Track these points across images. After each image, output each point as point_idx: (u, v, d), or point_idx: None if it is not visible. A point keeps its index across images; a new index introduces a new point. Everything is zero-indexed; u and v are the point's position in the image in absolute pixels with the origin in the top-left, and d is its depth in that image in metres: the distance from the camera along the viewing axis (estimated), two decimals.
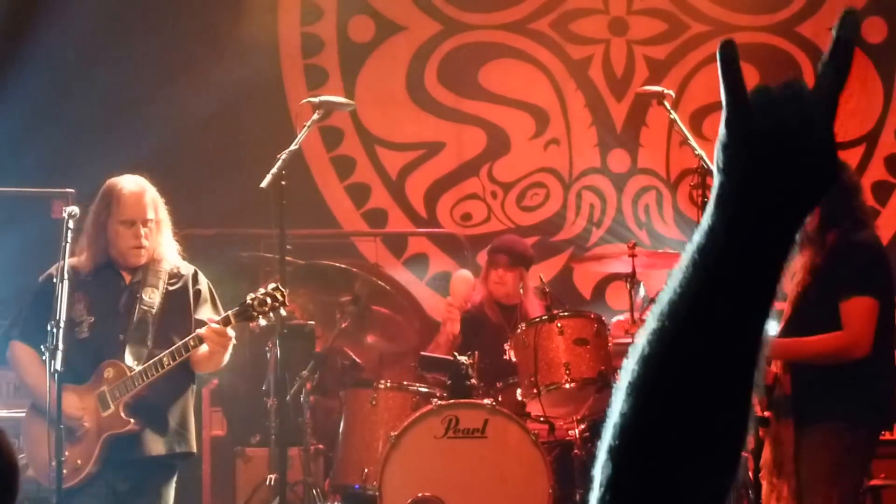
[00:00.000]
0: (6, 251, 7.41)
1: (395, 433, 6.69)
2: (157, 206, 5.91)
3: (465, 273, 8.31)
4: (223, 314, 5.76)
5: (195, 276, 5.99)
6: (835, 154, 1.43)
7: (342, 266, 7.63)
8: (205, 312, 5.82)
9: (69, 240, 5.70)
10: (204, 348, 5.69)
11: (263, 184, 6.64)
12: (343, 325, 7.41)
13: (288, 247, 6.87)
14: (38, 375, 5.75)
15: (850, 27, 1.49)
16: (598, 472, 1.42)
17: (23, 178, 8.10)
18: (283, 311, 5.89)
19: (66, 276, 5.55)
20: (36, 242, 6.96)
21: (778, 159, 1.41)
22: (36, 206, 7.54)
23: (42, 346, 5.52)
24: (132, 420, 5.73)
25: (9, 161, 8.50)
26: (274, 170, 6.66)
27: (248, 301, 5.69)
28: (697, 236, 1.41)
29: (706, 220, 1.41)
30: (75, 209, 5.79)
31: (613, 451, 1.40)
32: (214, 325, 5.63)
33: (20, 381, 6.02)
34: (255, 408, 7.80)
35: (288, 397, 7.01)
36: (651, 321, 1.41)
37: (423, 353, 7.55)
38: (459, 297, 8.01)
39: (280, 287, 5.77)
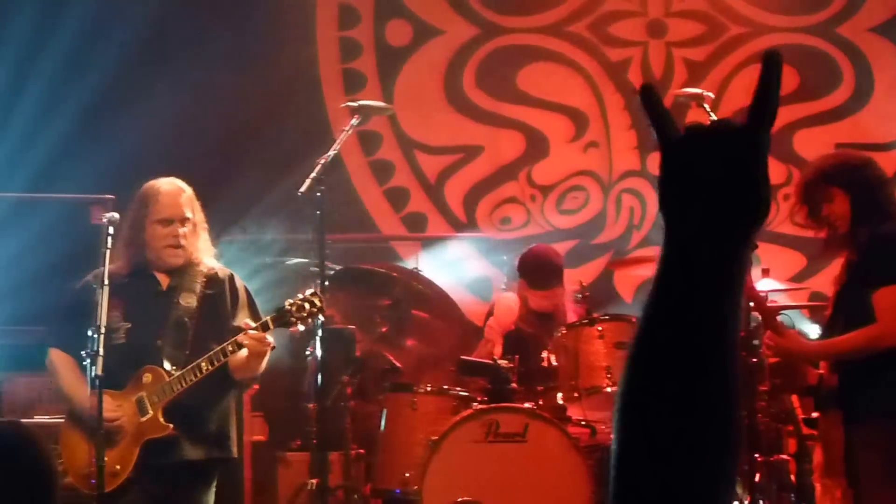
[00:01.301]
0: (46, 258, 7.43)
1: (436, 437, 6.68)
2: (194, 206, 5.92)
3: (511, 295, 8.21)
4: (261, 319, 5.76)
5: (232, 280, 5.98)
6: (759, 188, 1.51)
7: (381, 270, 7.61)
8: (243, 317, 5.80)
9: (109, 245, 5.69)
10: (242, 354, 5.68)
11: (302, 189, 6.65)
12: (383, 330, 7.42)
13: (327, 252, 6.87)
14: (75, 382, 5.78)
15: (773, 67, 1.54)
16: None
17: (63, 184, 8.12)
18: (320, 318, 5.87)
19: (106, 281, 5.54)
20: (76, 249, 6.96)
21: (700, 195, 1.52)
22: (76, 212, 7.55)
23: (83, 353, 5.53)
24: (171, 425, 5.73)
25: (49, 167, 8.52)
26: (313, 175, 6.67)
27: (286, 307, 5.69)
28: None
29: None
30: (115, 215, 5.79)
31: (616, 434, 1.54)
32: (252, 332, 5.61)
33: (57, 388, 6.02)
34: (296, 412, 7.80)
35: (328, 402, 7.00)
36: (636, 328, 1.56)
37: (462, 357, 7.51)
38: (504, 321, 7.93)
39: (318, 293, 5.75)
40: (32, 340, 6.56)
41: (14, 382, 7.17)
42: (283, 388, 8.05)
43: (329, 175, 6.86)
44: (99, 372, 5.39)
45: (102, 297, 5.52)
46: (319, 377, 6.73)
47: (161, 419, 5.72)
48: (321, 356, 6.64)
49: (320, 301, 5.73)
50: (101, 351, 5.41)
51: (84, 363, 5.55)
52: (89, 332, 5.49)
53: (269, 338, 5.67)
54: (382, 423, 7.13)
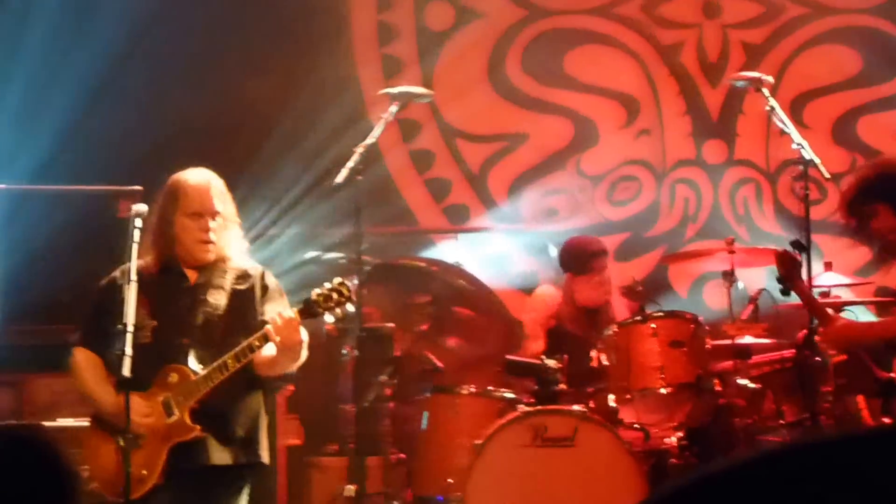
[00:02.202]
0: (71, 253, 7.44)
1: (480, 441, 6.67)
2: (224, 200, 5.89)
3: (547, 287, 8.19)
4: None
5: (263, 275, 5.95)
6: None
7: (421, 265, 7.60)
8: (272, 311, 5.76)
9: (137, 240, 5.66)
10: (269, 350, 5.64)
11: (338, 179, 6.64)
12: (423, 328, 7.43)
13: (364, 246, 6.84)
14: (100, 383, 5.78)
15: None
16: None
17: (88, 175, 8.12)
18: (350, 307, 5.83)
19: (134, 276, 5.52)
20: (102, 244, 6.95)
21: None
22: (102, 205, 7.54)
23: (109, 351, 5.51)
24: (198, 426, 5.70)
25: (74, 158, 8.52)
26: (349, 165, 6.66)
27: (314, 297, 5.65)
28: None
29: None
30: (143, 207, 5.76)
31: None
32: (280, 320, 5.56)
33: (80, 390, 6.02)
34: (332, 415, 7.79)
35: (366, 404, 6.99)
36: None
37: (508, 356, 7.47)
38: (543, 313, 7.90)
39: (345, 282, 5.71)
40: (55, 340, 6.55)
41: (36, 384, 7.19)
42: (319, 390, 8.05)
43: (366, 165, 6.84)
44: (126, 373, 5.34)
45: (129, 294, 5.49)
46: (357, 378, 6.70)
47: (188, 420, 5.71)
48: (358, 356, 6.61)
49: (348, 290, 5.69)
50: (128, 350, 5.37)
51: (109, 363, 5.53)
52: (115, 331, 5.45)
53: (304, 334, 5.63)
54: (423, 425, 7.12)
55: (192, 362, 5.74)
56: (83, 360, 5.91)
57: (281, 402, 7.88)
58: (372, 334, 7.42)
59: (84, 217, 7.67)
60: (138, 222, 5.70)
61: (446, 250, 9.33)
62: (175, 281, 5.90)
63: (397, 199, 9.73)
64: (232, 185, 6.02)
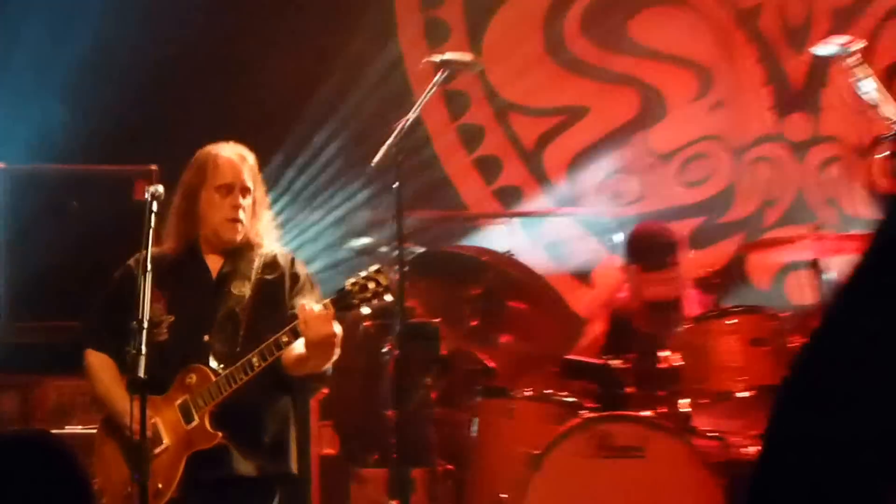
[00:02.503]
0: (81, 240, 7.43)
1: (537, 452, 6.63)
2: (256, 178, 5.94)
3: (612, 261, 8.18)
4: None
5: (293, 263, 5.96)
6: None
7: (470, 254, 7.59)
8: (302, 302, 5.71)
9: (152, 225, 5.62)
10: (299, 346, 5.59)
11: (376, 159, 6.64)
12: (472, 324, 7.42)
13: (406, 232, 6.82)
14: (112, 386, 5.82)
15: None
16: None
17: (98, 153, 8.12)
18: (388, 297, 5.79)
19: (149, 266, 5.48)
20: (115, 230, 6.96)
21: None
22: (116, 186, 7.55)
23: (123, 350, 5.48)
24: (219, 433, 5.70)
25: (84, 135, 8.53)
26: (389, 142, 6.65)
27: (347, 287, 5.63)
28: None
29: None
30: (160, 189, 5.72)
31: None
32: (310, 311, 5.52)
33: (93, 393, 6.02)
34: (372, 421, 7.79)
35: (410, 408, 6.99)
36: None
37: (567, 356, 7.47)
38: (606, 290, 7.91)
39: (382, 270, 5.67)
40: (64, 337, 6.56)
41: (44, 387, 7.22)
42: (357, 393, 8.07)
43: (408, 142, 6.83)
44: (141, 374, 5.31)
45: (144, 285, 5.45)
46: (399, 380, 6.70)
47: (208, 426, 5.70)
48: (400, 355, 6.62)
49: (386, 279, 5.66)
50: (144, 349, 5.33)
51: (124, 364, 5.50)
52: (130, 328, 5.41)
53: (337, 327, 5.60)
54: (474, 433, 7.11)
55: (213, 362, 5.74)
56: (96, 361, 5.96)
57: (314, 406, 7.91)
58: (415, 331, 7.44)
59: (96, 200, 7.65)
60: (154, 205, 5.65)
61: (497, 237, 9.32)
62: (195, 270, 5.94)
63: (443, 180, 9.74)
64: (260, 167, 6.00)
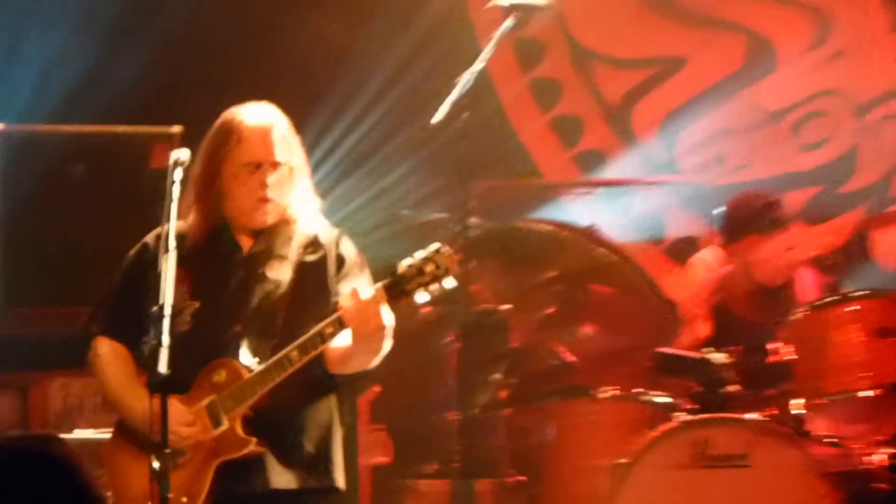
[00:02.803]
0: (91, 213, 7.45)
1: (625, 460, 6.73)
2: (290, 145, 5.87)
3: (706, 256, 8.17)
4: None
5: (339, 242, 5.90)
6: None
7: (546, 230, 7.57)
8: (349, 288, 5.67)
9: (176, 196, 5.60)
10: (345, 339, 5.55)
11: (436, 118, 6.62)
12: (548, 312, 7.38)
13: (470, 204, 6.79)
14: (127, 381, 5.79)
15: None
16: None
17: (114, 114, 8.13)
18: (450, 283, 5.74)
19: (172, 244, 5.46)
20: (130, 203, 6.96)
21: None
22: (131, 151, 7.56)
23: (140, 341, 5.45)
24: (252, 439, 5.67)
25: (97, 92, 8.54)
26: (450, 99, 6.62)
27: (401, 270, 5.57)
28: None
29: None
30: (185, 154, 5.70)
31: None
32: (357, 300, 5.49)
33: (103, 392, 6.02)
34: (430, 426, 7.86)
35: (474, 411, 6.97)
36: None
37: (660, 349, 7.45)
38: (703, 288, 7.87)
39: (442, 250, 5.62)
40: (71, 328, 6.55)
41: (46, 385, 7.26)
42: (413, 393, 8.07)
43: (473, 100, 6.81)
44: (163, 369, 5.29)
45: (167, 266, 5.43)
46: (462, 377, 6.67)
47: (240, 431, 5.68)
48: (464, 348, 6.58)
49: (447, 260, 5.60)
50: (165, 340, 5.31)
51: (138, 357, 5.48)
52: (148, 316, 5.39)
53: (389, 318, 5.54)
54: (550, 439, 7.16)
55: (246, 356, 5.72)
56: (106, 352, 5.93)
57: (363, 408, 7.93)
58: (481, 320, 7.50)
59: (109, 167, 7.67)
60: (178, 173, 5.63)
61: (578, 210, 9.27)
62: (224, 250, 5.91)
63: (513, 143, 9.70)
64: (298, 128, 5.95)
